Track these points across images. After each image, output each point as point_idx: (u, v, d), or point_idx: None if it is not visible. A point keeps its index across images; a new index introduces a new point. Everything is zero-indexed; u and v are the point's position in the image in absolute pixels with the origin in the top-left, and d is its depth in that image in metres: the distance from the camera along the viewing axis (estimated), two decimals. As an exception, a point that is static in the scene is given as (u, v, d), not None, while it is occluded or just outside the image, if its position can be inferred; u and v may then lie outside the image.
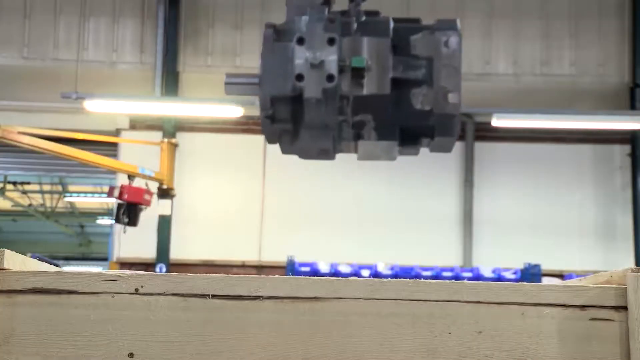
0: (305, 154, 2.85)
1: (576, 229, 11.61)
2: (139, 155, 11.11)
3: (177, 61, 11.84)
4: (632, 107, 11.59)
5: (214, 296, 1.49)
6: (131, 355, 1.47)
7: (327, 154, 2.84)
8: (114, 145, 11.51)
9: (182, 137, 11.69)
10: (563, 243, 11.51)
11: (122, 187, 9.97)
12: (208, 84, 11.58)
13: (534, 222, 11.55)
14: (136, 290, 1.49)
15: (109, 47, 11.93)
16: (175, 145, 11.45)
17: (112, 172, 11.39)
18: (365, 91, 2.63)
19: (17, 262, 1.53)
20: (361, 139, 2.74)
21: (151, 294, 1.49)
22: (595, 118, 10.59)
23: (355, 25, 2.76)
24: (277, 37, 2.70)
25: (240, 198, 11.62)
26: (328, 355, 1.47)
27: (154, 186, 10.71)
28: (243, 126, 11.59)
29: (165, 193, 11.02)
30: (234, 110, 10.35)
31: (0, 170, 14.55)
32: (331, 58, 2.58)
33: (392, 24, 2.87)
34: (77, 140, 10.27)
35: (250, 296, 1.49)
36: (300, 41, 2.61)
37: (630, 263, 11.13)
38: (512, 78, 11.68)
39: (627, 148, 11.79)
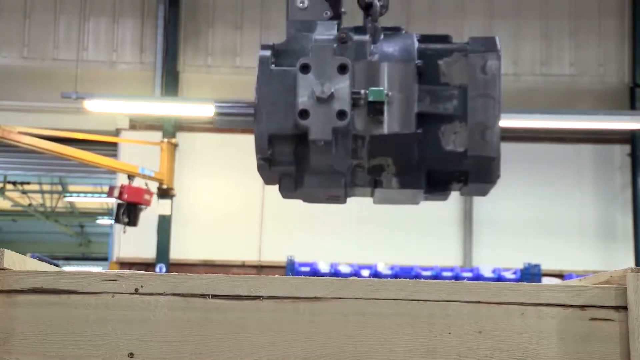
0: (311, 200, 2.45)
1: (576, 229, 11.60)
2: (139, 155, 11.11)
3: (177, 61, 11.84)
4: (632, 107, 11.59)
5: (214, 296, 1.49)
6: (131, 355, 1.47)
7: (337, 200, 2.42)
8: (114, 145, 11.52)
9: (182, 137, 11.69)
10: (563, 243, 11.50)
11: (122, 187, 9.97)
12: (208, 84, 11.59)
13: (534, 222, 11.55)
14: (136, 290, 1.49)
15: (109, 47, 11.93)
16: (175, 145, 11.45)
17: (112, 172, 11.39)
18: (385, 130, 2.17)
19: (17, 262, 1.53)
20: (379, 186, 2.29)
21: (151, 294, 1.49)
22: (595, 118, 10.59)
23: (371, 47, 2.24)
24: (276, 59, 2.21)
25: (240, 198, 11.61)
26: (328, 355, 1.47)
27: (154, 186, 10.71)
28: (243, 126, 11.58)
29: (165, 193, 11.02)
30: (234, 110, 10.34)
31: (0, 170, 14.55)
32: (343, 90, 2.11)
33: (416, 45, 2.28)
34: (77, 140, 10.27)
35: (250, 296, 1.49)
36: (305, 69, 2.12)
37: (630, 263, 11.12)
38: (512, 78, 11.67)
39: (627, 148, 11.79)
